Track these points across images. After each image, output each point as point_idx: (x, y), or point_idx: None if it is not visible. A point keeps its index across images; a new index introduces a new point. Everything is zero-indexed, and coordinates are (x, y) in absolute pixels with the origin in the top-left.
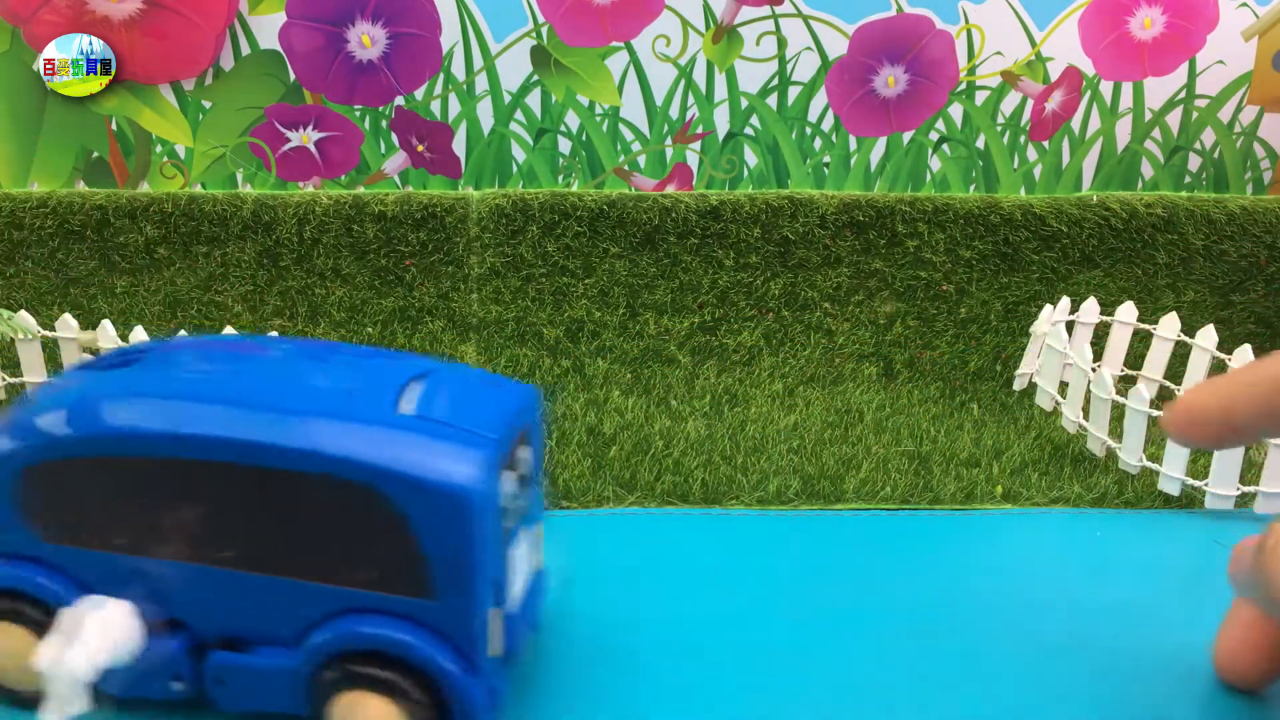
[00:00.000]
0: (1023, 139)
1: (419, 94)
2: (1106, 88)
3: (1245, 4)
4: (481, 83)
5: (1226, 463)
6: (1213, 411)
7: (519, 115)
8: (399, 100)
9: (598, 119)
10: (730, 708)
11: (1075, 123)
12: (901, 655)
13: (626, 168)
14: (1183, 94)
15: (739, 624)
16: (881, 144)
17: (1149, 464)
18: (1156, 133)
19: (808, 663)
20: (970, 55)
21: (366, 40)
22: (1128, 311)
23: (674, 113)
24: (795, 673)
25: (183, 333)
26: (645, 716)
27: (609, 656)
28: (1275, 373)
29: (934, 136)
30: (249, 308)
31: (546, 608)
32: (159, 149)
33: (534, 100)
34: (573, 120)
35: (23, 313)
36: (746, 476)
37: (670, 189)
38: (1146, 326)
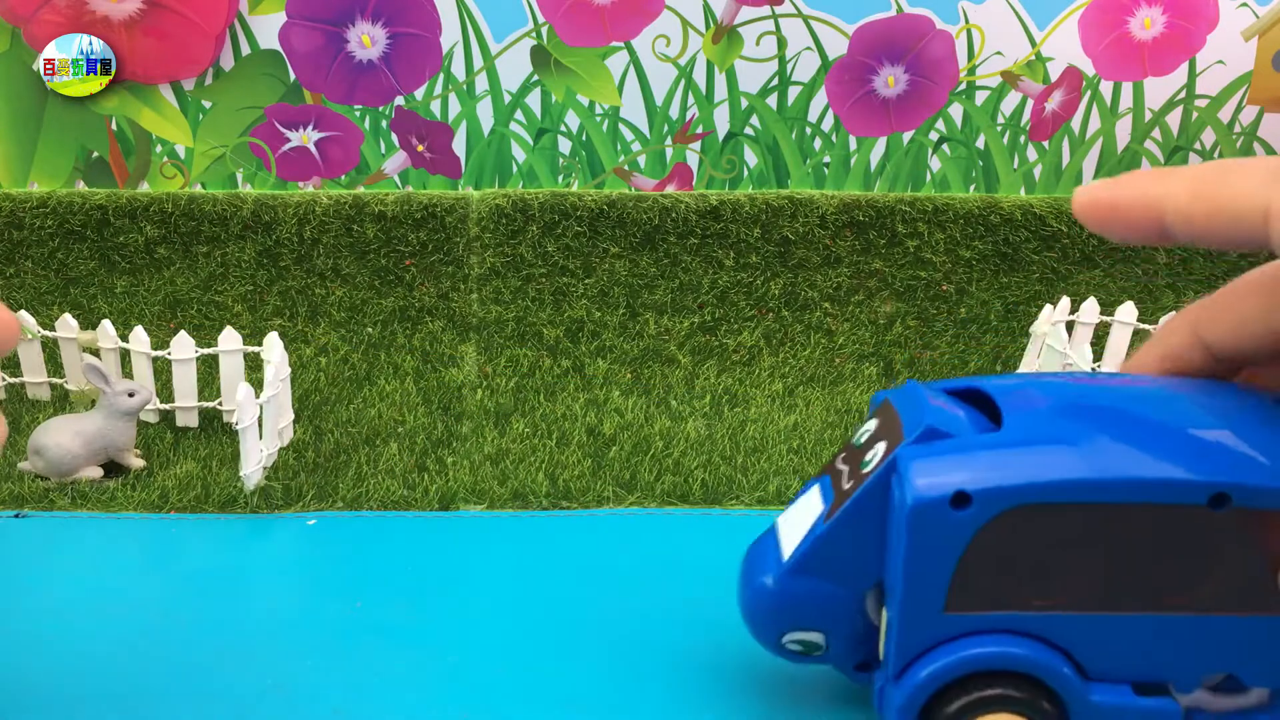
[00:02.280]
0: (1023, 139)
1: (419, 94)
2: (1106, 88)
3: (1245, 4)
4: (481, 83)
5: None
6: (1150, 211)
7: (519, 115)
8: (399, 100)
9: (598, 119)
10: (729, 706)
11: (1075, 123)
12: None
13: (626, 168)
14: (1183, 94)
15: (739, 623)
16: (881, 144)
17: None
18: (1156, 133)
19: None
20: (970, 55)
21: (366, 40)
22: (1128, 311)
23: (674, 113)
24: (795, 670)
25: (183, 333)
26: (651, 717)
27: (609, 656)
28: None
29: (934, 136)
30: (249, 308)
31: (545, 609)
32: (159, 149)
33: (534, 100)
34: (573, 120)
35: (23, 313)
36: (746, 476)
37: (670, 189)
38: (1146, 326)
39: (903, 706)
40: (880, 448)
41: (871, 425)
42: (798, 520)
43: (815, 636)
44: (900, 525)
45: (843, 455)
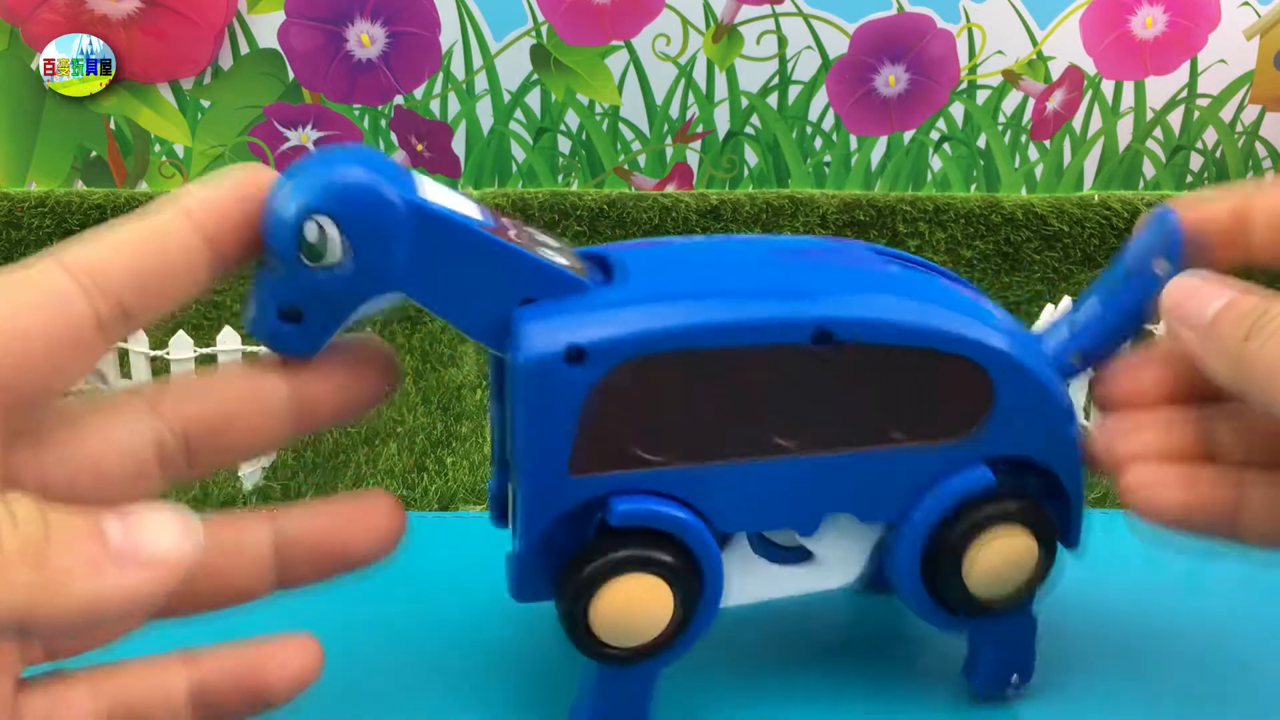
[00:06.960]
0: (1024, 138)
1: (418, 93)
2: (1108, 87)
3: (1247, 3)
4: (481, 82)
5: None
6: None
7: (519, 114)
8: (398, 99)
9: (598, 118)
10: (732, 704)
11: (1076, 122)
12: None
13: (626, 167)
14: (1184, 93)
15: (741, 621)
16: (882, 143)
17: None
18: (1158, 132)
19: (808, 657)
20: (971, 54)
21: (366, 39)
22: None
23: (674, 112)
24: (794, 667)
25: (181, 333)
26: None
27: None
28: None
29: (935, 136)
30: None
31: (545, 609)
32: (157, 148)
33: (534, 99)
34: (573, 119)
35: None
36: None
37: (670, 188)
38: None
39: (536, 575)
40: (558, 259)
41: (561, 248)
42: (447, 196)
43: (337, 251)
44: (518, 386)
45: (516, 220)
